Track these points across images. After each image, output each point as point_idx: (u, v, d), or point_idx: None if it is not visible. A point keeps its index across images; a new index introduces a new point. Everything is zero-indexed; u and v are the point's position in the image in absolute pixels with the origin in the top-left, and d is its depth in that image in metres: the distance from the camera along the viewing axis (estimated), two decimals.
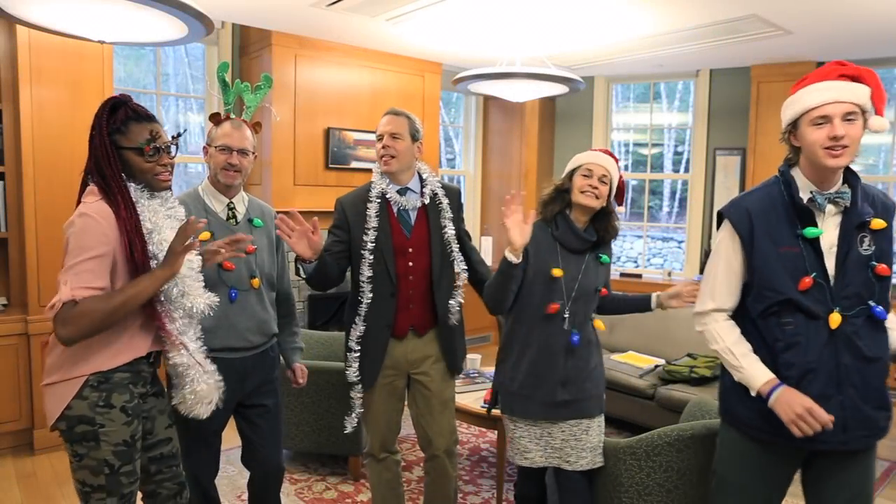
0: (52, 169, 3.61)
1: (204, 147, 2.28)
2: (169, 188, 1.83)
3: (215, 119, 2.25)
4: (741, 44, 4.61)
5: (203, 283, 1.87)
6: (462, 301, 2.43)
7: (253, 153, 2.27)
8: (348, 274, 2.41)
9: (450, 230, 2.39)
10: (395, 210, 2.35)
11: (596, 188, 2.17)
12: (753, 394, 1.74)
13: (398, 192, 2.35)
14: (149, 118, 1.77)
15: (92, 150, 1.73)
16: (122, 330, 1.73)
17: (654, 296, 2.36)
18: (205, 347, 1.88)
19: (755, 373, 1.74)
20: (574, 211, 2.24)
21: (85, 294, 1.61)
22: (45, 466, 3.50)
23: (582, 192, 2.18)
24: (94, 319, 1.61)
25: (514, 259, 2.03)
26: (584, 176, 2.19)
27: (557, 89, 4.47)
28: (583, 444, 2.24)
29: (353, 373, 2.36)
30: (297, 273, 2.24)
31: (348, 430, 2.40)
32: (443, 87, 5.57)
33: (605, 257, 2.30)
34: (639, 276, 5.94)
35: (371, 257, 2.28)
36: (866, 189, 1.77)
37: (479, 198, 6.55)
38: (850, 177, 1.75)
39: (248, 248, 2.23)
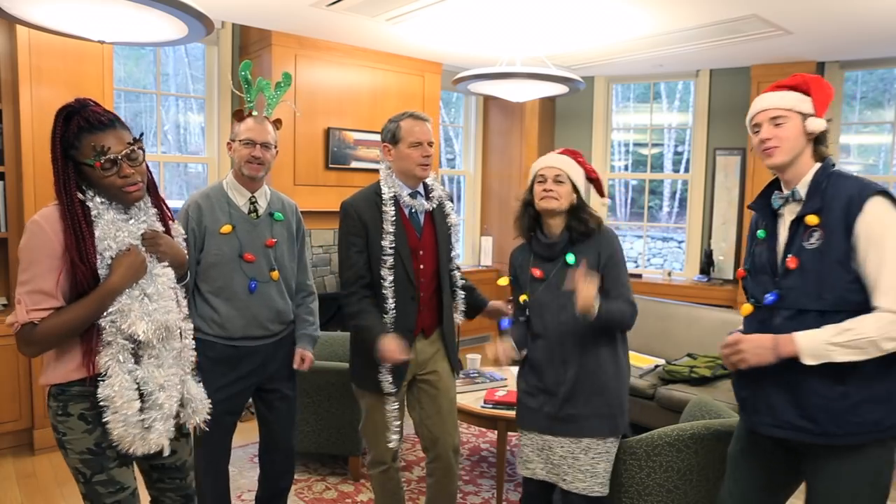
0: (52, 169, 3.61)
1: (228, 143, 2.38)
2: (141, 198, 1.70)
3: (238, 115, 2.36)
4: (741, 44, 4.61)
5: (150, 301, 1.67)
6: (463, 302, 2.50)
7: (275, 147, 2.38)
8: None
9: (454, 235, 2.45)
10: (406, 213, 2.36)
11: (551, 191, 2.14)
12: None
13: (409, 195, 2.36)
14: (102, 126, 1.60)
15: (51, 161, 1.63)
16: (91, 348, 1.63)
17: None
18: (140, 379, 1.66)
19: None
20: (544, 219, 2.21)
21: (41, 315, 1.58)
22: (45, 466, 3.50)
23: (541, 199, 2.16)
24: (56, 335, 1.59)
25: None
26: (539, 182, 2.18)
27: (557, 89, 4.47)
28: (580, 464, 2.13)
29: (387, 383, 2.27)
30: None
31: (393, 445, 2.36)
32: (443, 87, 5.57)
33: (569, 256, 2.15)
34: (639, 276, 5.93)
35: (391, 261, 2.26)
36: (838, 183, 1.71)
37: (479, 198, 6.55)
38: (819, 174, 1.75)
39: (267, 241, 2.36)
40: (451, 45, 4.83)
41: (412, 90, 5.30)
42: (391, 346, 2.14)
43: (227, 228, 2.28)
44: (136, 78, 4.77)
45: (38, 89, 3.58)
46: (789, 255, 1.73)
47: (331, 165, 4.86)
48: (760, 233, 1.87)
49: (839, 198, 1.68)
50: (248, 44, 4.69)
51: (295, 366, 2.48)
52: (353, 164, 4.97)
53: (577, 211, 2.17)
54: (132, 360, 1.66)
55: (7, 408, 3.60)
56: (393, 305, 2.27)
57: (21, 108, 3.54)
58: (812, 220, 1.71)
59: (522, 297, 2.24)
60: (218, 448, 2.41)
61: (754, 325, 1.81)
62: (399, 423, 2.40)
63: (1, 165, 3.67)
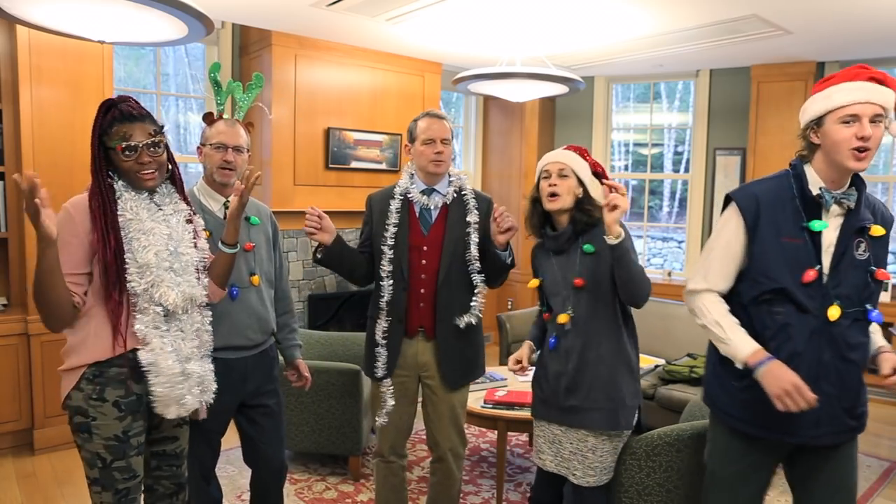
0: (52, 169, 3.61)
1: (198, 147, 2.30)
2: (154, 187, 1.83)
3: (208, 119, 2.29)
4: (741, 44, 4.61)
5: (177, 274, 1.80)
6: (478, 313, 2.38)
7: (247, 151, 2.30)
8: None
9: (473, 233, 2.36)
10: (416, 209, 2.38)
11: (555, 185, 2.16)
12: (740, 366, 1.74)
13: (423, 191, 2.38)
14: (131, 118, 1.78)
15: (90, 146, 1.80)
16: (121, 325, 1.74)
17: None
18: (172, 349, 1.79)
19: (743, 344, 1.74)
20: (553, 216, 2.23)
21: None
22: (45, 466, 3.50)
23: (547, 198, 2.18)
24: (35, 290, 1.64)
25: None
26: (544, 178, 2.20)
27: (557, 89, 4.47)
28: (589, 461, 2.16)
29: (381, 367, 2.36)
30: (316, 259, 2.35)
31: (379, 423, 2.41)
32: (443, 87, 5.57)
33: (587, 246, 2.15)
34: None
35: (390, 252, 2.34)
36: (868, 197, 1.81)
37: None
38: (857, 182, 1.78)
39: (246, 245, 2.27)
40: (451, 45, 4.83)
41: (412, 90, 5.30)
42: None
43: (204, 235, 2.19)
44: (136, 78, 4.77)
45: (38, 89, 3.58)
46: (877, 269, 1.75)
47: (331, 165, 4.85)
48: (820, 224, 1.73)
49: (879, 213, 1.79)
50: (248, 44, 4.69)
51: (302, 377, 2.46)
52: (353, 164, 4.97)
53: (582, 203, 2.19)
54: (165, 325, 1.79)
55: (7, 408, 3.60)
56: (390, 293, 2.34)
57: (21, 108, 3.54)
58: (879, 231, 1.75)
59: (533, 283, 2.29)
60: (199, 455, 2.29)
61: (822, 336, 1.74)
62: (395, 408, 2.39)
63: (1, 165, 3.67)
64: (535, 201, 2.25)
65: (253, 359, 2.29)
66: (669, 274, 5.96)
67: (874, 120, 1.64)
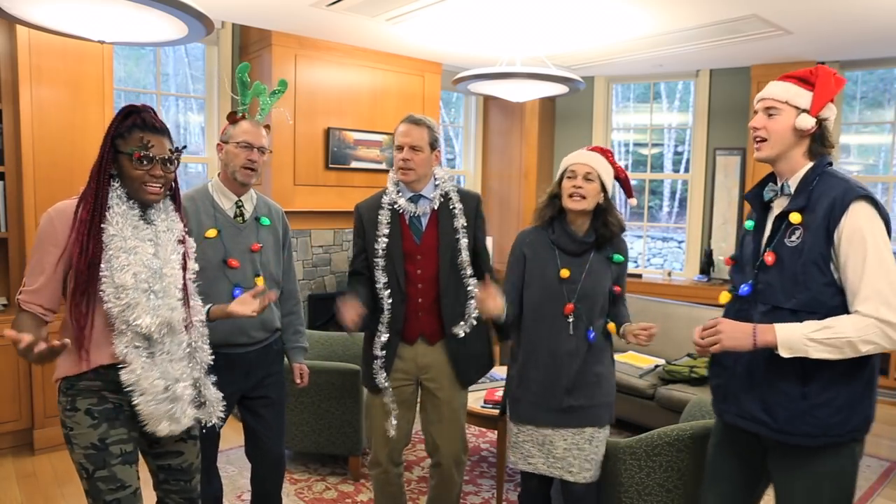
0: (52, 169, 3.61)
1: (218, 144, 2.30)
2: (155, 202, 1.79)
3: (232, 118, 2.30)
4: (741, 44, 4.61)
5: (156, 297, 1.74)
6: (473, 321, 2.35)
7: (269, 152, 2.33)
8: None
9: (462, 238, 2.34)
10: (406, 217, 2.35)
11: (580, 188, 2.15)
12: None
13: (410, 199, 2.34)
14: (154, 129, 1.75)
15: (100, 147, 1.77)
16: (84, 339, 1.70)
17: (623, 326, 2.25)
18: (157, 369, 1.75)
19: None
20: (569, 214, 2.23)
21: (23, 299, 1.71)
22: (45, 466, 3.50)
23: (569, 197, 2.18)
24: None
25: (502, 316, 2.15)
26: (569, 178, 2.19)
27: (557, 89, 4.47)
28: (586, 454, 2.19)
29: (382, 378, 2.34)
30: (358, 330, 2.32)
31: (392, 433, 2.37)
32: (443, 87, 5.57)
33: (617, 256, 2.25)
34: (639, 276, 5.93)
35: (383, 263, 2.31)
36: (826, 183, 1.70)
37: None
38: (810, 172, 1.74)
39: (253, 246, 2.28)
40: (451, 45, 4.83)
41: (412, 90, 5.30)
42: (343, 307, 2.22)
43: (212, 233, 2.21)
44: (136, 78, 4.77)
45: (38, 89, 3.58)
46: (768, 250, 1.74)
47: (331, 165, 4.85)
48: (749, 223, 1.88)
49: (823, 199, 1.67)
50: (248, 44, 4.69)
51: (297, 382, 2.47)
52: (353, 164, 4.97)
53: (605, 214, 2.21)
54: (146, 345, 1.74)
55: (7, 408, 3.60)
56: (389, 304, 2.32)
57: (21, 108, 3.54)
58: (795, 218, 1.70)
59: (565, 272, 2.20)
60: (203, 457, 2.25)
61: (732, 314, 1.83)
62: (397, 416, 2.38)
63: (1, 165, 3.67)
64: (555, 197, 2.25)
65: (256, 353, 2.32)
66: (669, 274, 5.95)
67: (768, 112, 1.77)
